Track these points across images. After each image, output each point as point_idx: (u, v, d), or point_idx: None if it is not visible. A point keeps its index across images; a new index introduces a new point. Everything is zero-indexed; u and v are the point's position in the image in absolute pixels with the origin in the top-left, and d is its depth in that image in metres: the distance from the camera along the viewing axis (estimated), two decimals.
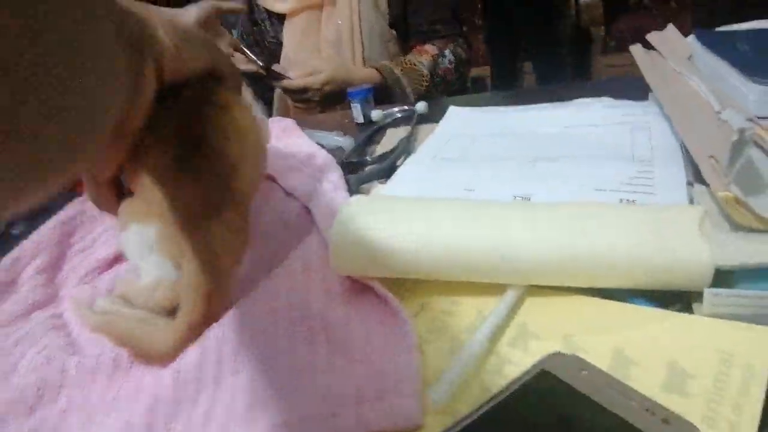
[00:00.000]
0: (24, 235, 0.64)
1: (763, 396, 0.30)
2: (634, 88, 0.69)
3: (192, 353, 0.44)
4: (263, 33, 1.22)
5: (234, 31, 1.24)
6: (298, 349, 0.41)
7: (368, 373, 0.37)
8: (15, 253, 0.59)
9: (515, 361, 0.36)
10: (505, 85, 2.12)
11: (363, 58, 1.15)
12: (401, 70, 1.09)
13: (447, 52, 1.14)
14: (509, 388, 0.32)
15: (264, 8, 1.19)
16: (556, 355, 0.34)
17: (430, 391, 0.34)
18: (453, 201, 0.43)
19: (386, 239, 0.40)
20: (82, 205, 0.69)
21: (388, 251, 0.40)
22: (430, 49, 1.13)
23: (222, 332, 0.44)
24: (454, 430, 0.31)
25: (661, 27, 2.30)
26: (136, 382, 0.44)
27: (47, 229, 0.64)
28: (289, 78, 1.07)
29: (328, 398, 0.36)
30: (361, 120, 0.83)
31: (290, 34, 1.16)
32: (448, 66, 1.13)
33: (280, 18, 1.18)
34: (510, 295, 0.39)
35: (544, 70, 2.05)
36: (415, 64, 1.09)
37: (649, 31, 2.29)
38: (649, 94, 0.68)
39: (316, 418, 0.35)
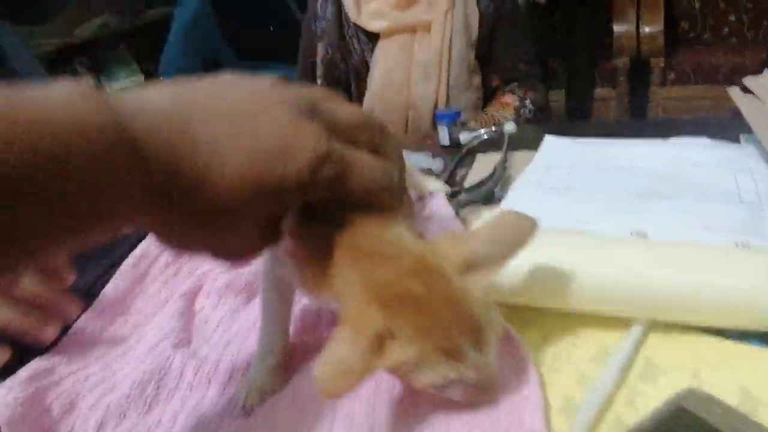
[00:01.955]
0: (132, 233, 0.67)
1: None
2: (721, 128, 0.70)
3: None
4: (350, 50, 1.25)
5: (320, 45, 1.27)
6: None
7: (497, 410, 0.38)
8: (139, 251, 0.63)
9: (646, 394, 0.38)
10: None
11: (448, 85, 1.18)
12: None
13: (527, 102, 1.15)
14: (647, 422, 0.34)
15: (354, 25, 1.21)
16: (690, 392, 0.35)
17: (571, 423, 0.36)
18: (580, 234, 0.45)
19: (515, 267, 0.42)
20: None
21: (517, 278, 0.43)
22: (511, 99, 1.15)
23: None
24: None
25: (720, 62, 2.28)
26: None
27: None
28: None
29: (462, 428, 0.38)
30: (446, 143, 0.85)
31: (382, 57, 1.19)
32: (528, 116, 1.14)
33: (370, 37, 1.21)
34: (636, 330, 0.41)
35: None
36: (499, 120, 1.10)
37: (708, 66, 2.27)
38: (741, 135, 0.69)
39: None
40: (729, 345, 0.40)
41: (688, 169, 0.60)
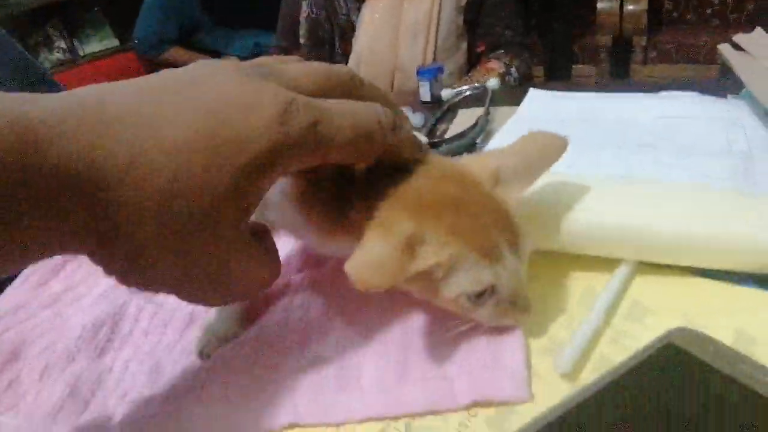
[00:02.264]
0: None
1: None
2: (707, 90, 0.68)
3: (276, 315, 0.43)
4: (336, 9, 1.21)
5: (304, 3, 1.23)
6: (398, 319, 0.40)
7: (473, 346, 0.36)
8: None
9: (633, 335, 0.36)
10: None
11: (435, 48, 1.15)
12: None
13: (512, 69, 1.13)
14: (636, 358, 0.32)
15: None
16: (682, 330, 0.33)
17: (555, 361, 0.34)
18: (566, 174, 0.42)
19: None
20: None
21: None
22: (497, 66, 1.12)
23: (323, 298, 0.44)
24: (586, 395, 0.30)
25: (702, 42, 2.27)
26: None
27: None
28: None
29: (435, 366, 0.36)
30: (428, 98, 0.82)
31: (370, 16, 1.15)
32: (513, 84, 1.12)
33: None
34: (623, 270, 0.39)
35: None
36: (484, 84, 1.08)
37: (689, 46, 2.27)
38: (728, 95, 0.67)
39: (426, 383, 0.35)
40: (721, 286, 0.38)
41: (677, 122, 0.57)
